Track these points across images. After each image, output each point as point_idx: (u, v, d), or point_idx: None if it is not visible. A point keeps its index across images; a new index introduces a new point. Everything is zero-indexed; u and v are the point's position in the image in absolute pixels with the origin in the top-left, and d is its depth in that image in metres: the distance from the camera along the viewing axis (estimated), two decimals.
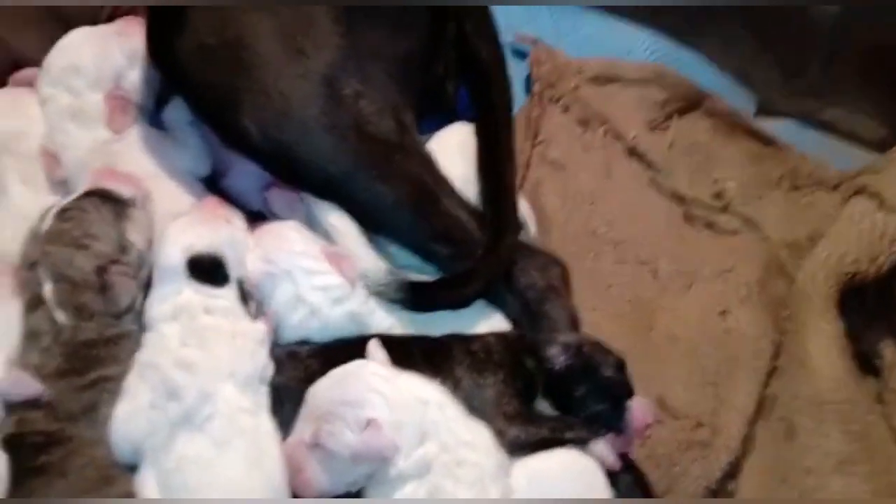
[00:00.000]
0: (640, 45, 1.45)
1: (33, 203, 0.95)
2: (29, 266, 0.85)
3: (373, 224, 1.00)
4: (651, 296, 1.21)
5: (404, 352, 0.90)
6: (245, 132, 0.94)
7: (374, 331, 0.96)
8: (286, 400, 0.88)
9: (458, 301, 0.99)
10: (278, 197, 1.02)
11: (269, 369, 0.88)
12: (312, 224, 1.01)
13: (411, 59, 1.05)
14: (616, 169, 1.31)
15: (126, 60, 1.03)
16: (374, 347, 0.88)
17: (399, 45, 1.03)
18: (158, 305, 0.87)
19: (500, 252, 1.01)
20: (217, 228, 0.91)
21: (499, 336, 0.97)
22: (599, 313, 1.16)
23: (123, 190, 0.90)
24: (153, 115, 1.07)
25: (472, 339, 0.96)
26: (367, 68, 0.99)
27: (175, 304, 0.87)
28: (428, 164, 1.02)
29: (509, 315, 1.03)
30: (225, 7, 0.94)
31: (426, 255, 1.02)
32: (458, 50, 1.13)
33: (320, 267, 0.95)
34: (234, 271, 0.90)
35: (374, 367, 0.85)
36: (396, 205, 0.98)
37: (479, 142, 1.11)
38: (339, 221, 0.98)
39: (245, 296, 0.90)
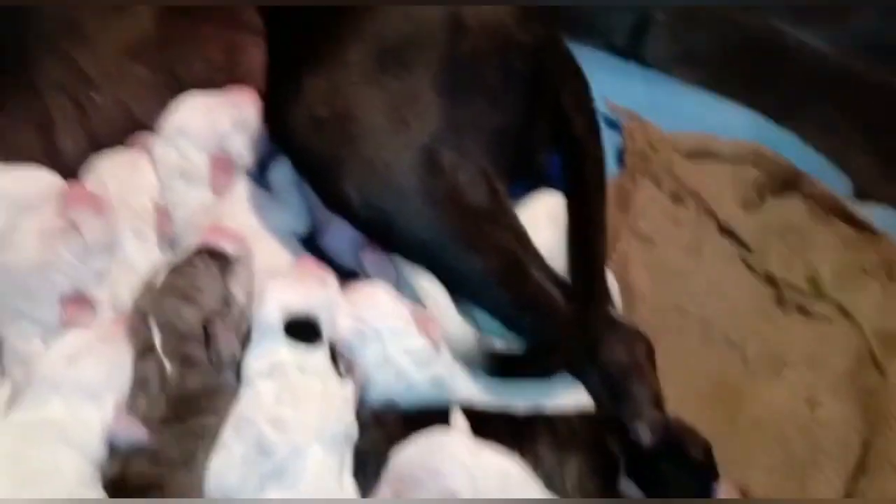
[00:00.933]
0: (737, 123, 1.45)
1: (144, 256, 1.01)
2: (141, 316, 0.89)
3: (461, 290, 1.02)
4: (738, 379, 1.19)
5: (487, 424, 0.91)
6: (346, 198, 0.98)
7: (456, 397, 0.97)
8: (369, 462, 0.89)
9: (541, 373, 1.00)
10: (371, 258, 1.05)
11: (355, 430, 0.90)
12: (402, 286, 1.04)
13: (507, 130, 1.08)
14: (707, 246, 1.31)
15: (232, 126, 1.09)
16: (458, 417, 0.89)
17: (496, 117, 1.06)
18: (255, 361, 0.90)
19: (586, 326, 1.02)
20: (313, 289, 0.94)
21: (582, 415, 0.97)
22: (683, 393, 1.14)
23: (229, 247, 0.94)
24: (257, 176, 1.12)
25: (555, 416, 0.96)
26: (465, 139, 1.02)
27: (271, 362, 0.89)
28: (518, 234, 1.04)
29: (591, 389, 1.03)
30: (337, 80, 0.98)
31: (511, 323, 1.03)
32: (552, 119, 1.16)
33: (408, 329, 0.97)
34: (326, 331, 0.93)
35: (458, 438, 0.86)
36: (485, 274, 1.00)
37: (571, 213, 1.13)
38: (428, 285, 1.01)
39: (335, 355, 0.93)
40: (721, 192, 1.35)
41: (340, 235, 1.10)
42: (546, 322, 1.01)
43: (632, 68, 1.54)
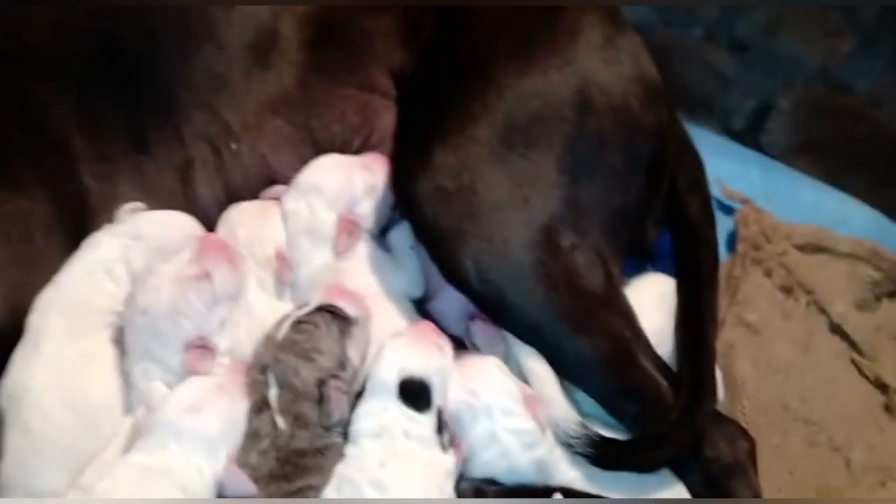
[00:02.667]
0: (855, 220, 1.41)
1: (266, 306, 1.03)
2: (260, 369, 0.92)
3: (566, 372, 1.02)
4: (841, 486, 1.15)
5: None
6: (464, 270, 0.99)
7: (556, 481, 0.97)
8: None
9: (646, 465, 0.99)
10: (481, 330, 1.06)
11: None
12: (509, 361, 1.05)
13: (625, 212, 1.08)
14: (816, 343, 1.28)
15: (363, 190, 1.12)
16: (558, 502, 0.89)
17: (616, 198, 1.07)
18: (364, 420, 0.92)
19: (693, 421, 1.00)
20: (430, 355, 0.95)
21: None
22: (784, 495, 1.12)
23: (350, 309, 0.97)
24: (377, 237, 1.15)
25: None
26: (585, 220, 1.03)
27: (380, 422, 0.91)
28: (629, 319, 1.04)
29: (689, 485, 1.01)
30: (465, 155, 1.00)
31: (615, 411, 1.02)
32: (667, 202, 1.16)
33: (518, 409, 0.97)
34: (437, 399, 0.94)
35: None
36: (593, 359, 1.00)
37: (681, 299, 1.12)
38: (537, 366, 1.01)
39: (441, 425, 0.93)
40: (835, 289, 1.32)
41: (451, 303, 1.11)
42: (651, 413, 1.00)
43: (749, 154, 1.52)
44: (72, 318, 0.97)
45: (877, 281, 1.32)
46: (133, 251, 1.01)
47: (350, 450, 0.91)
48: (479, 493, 0.94)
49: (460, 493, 0.93)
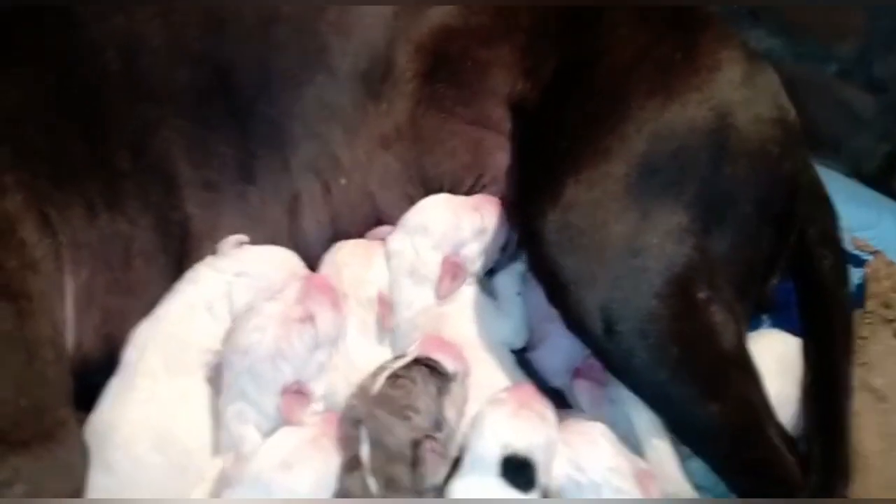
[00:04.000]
0: None
1: (363, 351, 1.00)
2: (353, 423, 0.88)
3: (689, 439, 0.94)
4: None
5: None
6: (589, 318, 0.92)
7: None
8: None
9: None
10: (587, 391, 1.00)
11: None
12: (616, 424, 0.98)
13: (754, 268, 1.00)
14: None
15: (471, 232, 1.07)
16: None
17: (746, 253, 0.98)
18: (464, 495, 0.86)
19: None
20: (536, 429, 0.89)
21: None
22: None
23: (448, 364, 0.91)
24: (483, 283, 1.10)
25: None
26: (716, 274, 0.95)
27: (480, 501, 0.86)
28: (758, 384, 0.95)
29: None
30: (599, 192, 0.93)
31: (735, 484, 0.93)
32: (795, 254, 1.07)
33: (628, 488, 0.90)
34: (541, 476, 0.88)
35: None
36: (722, 427, 0.91)
37: (809, 365, 1.03)
38: (656, 438, 0.94)
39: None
40: None
41: (555, 354, 1.06)
42: (772, 490, 0.91)
43: (881, 200, 1.41)
44: (168, 355, 0.95)
45: None
46: (236, 288, 0.99)
47: None
48: None
49: None
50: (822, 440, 0.96)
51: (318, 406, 0.94)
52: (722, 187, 0.96)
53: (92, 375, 0.96)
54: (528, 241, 1.00)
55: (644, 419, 0.95)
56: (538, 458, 0.88)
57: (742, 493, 0.94)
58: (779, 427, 0.95)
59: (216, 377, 0.94)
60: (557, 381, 1.05)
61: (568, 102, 1.02)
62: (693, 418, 0.92)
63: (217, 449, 0.92)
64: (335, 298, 0.97)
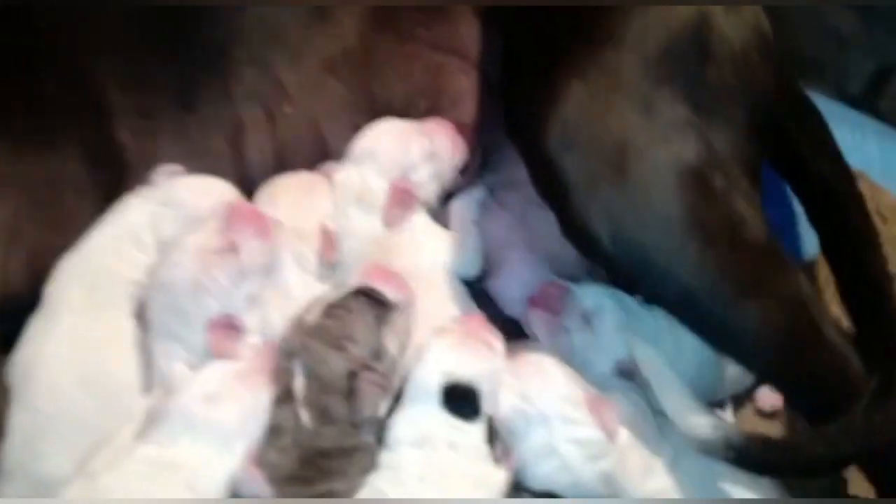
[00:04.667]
0: None
1: (302, 284, 0.94)
2: (287, 356, 0.83)
3: (731, 350, 0.85)
4: None
5: None
6: (592, 225, 0.84)
7: (629, 496, 0.86)
8: None
9: (818, 466, 0.80)
10: (540, 319, 0.95)
11: None
12: (573, 357, 0.93)
13: (755, 172, 0.92)
14: None
15: (420, 157, 1.01)
16: None
17: (745, 154, 0.90)
18: (405, 427, 0.83)
19: (889, 408, 0.79)
20: (481, 357, 0.84)
21: None
22: None
23: (390, 293, 0.87)
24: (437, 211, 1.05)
25: None
26: (728, 166, 0.87)
27: (421, 431, 0.81)
28: (801, 278, 0.85)
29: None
30: (598, 87, 0.86)
31: (791, 397, 0.86)
32: (792, 172, 1.01)
33: (580, 416, 0.85)
34: (486, 407, 0.83)
35: None
36: (767, 329, 0.82)
37: (839, 272, 0.95)
38: (649, 359, 0.87)
39: (492, 435, 0.83)
40: None
41: (514, 281, 1.01)
42: (842, 402, 0.80)
43: (866, 122, 1.38)
44: (94, 289, 0.89)
45: None
46: (163, 218, 0.94)
47: (386, 458, 0.82)
48: None
49: None
50: (879, 335, 0.86)
51: (253, 339, 0.89)
52: (711, 88, 0.89)
53: (22, 314, 0.91)
54: (526, 151, 0.92)
55: (638, 344, 0.89)
56: (482, 387, 0.83)
57: (806, 409, 0.84)
58: (837, 327, 0.85)
59: (143, 312, 0.89)
60: (515, 311, 1.00)
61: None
62: (730, 324, 0.82)
63: (148, 387, 0.87)
64: (262, 227, 0.92)
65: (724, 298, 0.82)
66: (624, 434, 0.87)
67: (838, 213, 0.97)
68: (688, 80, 0.88)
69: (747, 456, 0.80)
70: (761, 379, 0.87)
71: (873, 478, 0.84)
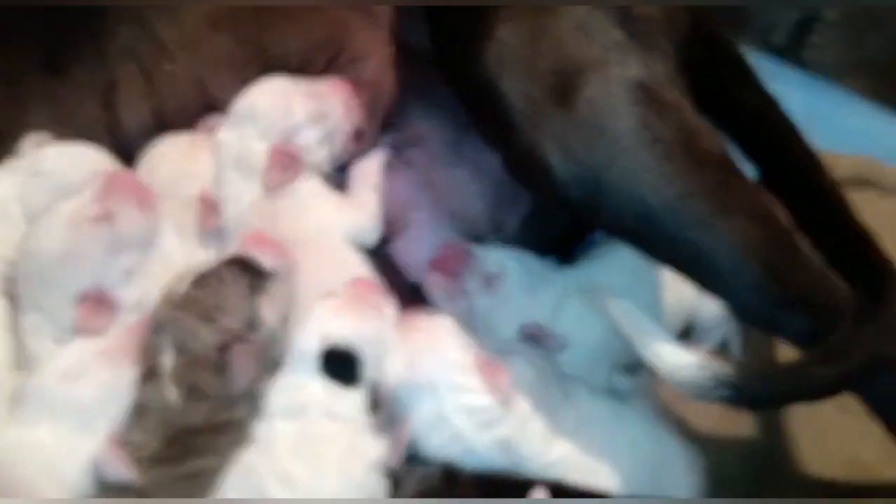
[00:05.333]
0: None
1: (183, 255, 0.90)
2: (155, 330, 0.79)
3: (706, 278, 0.79)
4: (873, 461, 0.99)
5: None
6: (542, 155, 0.78)
7: (530, 463, 0.83)
8: None
9: (815, 389, 0.76)
10: (438, 283, 0.92)
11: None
12: (472, 321, 0.90)
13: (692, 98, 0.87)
14: None
15: (305, 119, 0.96)
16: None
17: (684, 81, 0.85)
18: (280, 395, 0.79)
19: (880, 319, 0.76)
20: (364, 320, 0.81)
21: None
22: (808, 468, 0.99)
23: (266, 260, 0.82)
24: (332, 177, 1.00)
25: None
26: (674, 86, 0.82)
27: (296, 399, 0.78)
28: (765, 195, 0.82)
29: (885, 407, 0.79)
30: (535, 19, 0.82)
31: (775, 326, 0.79)
32: (721, 110, 0.94)
33: (470, 383, 0.82)
34: (369, 373, 0.80)
35: None
36: (741, 248, 0.76)
37: (791, 196, 0.89)
38: (619, 307, 0.82)
39: (376, 404, 0.79)
40: (882, 231, 1.13)
41: (416, 246, 0.97)
42: (824, 322, 0.76)
43: (789, 72, 1.39)
44: None
45: None
46: (32, 190, 0.89)
47: (259, 430, 0.78)
48: (449, 477, 0.79)
49: (424, 478, 0.79)
50: (847, 249, 0.82)
51: (129, 316, 0.85)
52: (641, 21, 0.84)
53: None
54: (461, 81, 0.87)
55: (605, 296, 0.85)
56: (364, 351, 0.80)
57: (781, 328, 0.79)
58: (812, 249, 0.80)
59: (12, 287, 0.85)
60: (419, 275, 0.96)
61: None
62: (703, 247, 0.76)
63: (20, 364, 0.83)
64: (141, 196, 0.87)
65: (692, 217, 0.77)
66: (524, 400, 0.85)
67: (774, 137, 0.92)
68: (619, 11, 0.83)
69: (749, 389, 0.75)
70: (744, 314, 0.81)
71: (876, 405, 0.81)
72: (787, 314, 0.78)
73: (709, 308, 0.97)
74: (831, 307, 0.76)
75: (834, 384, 0.76)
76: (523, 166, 0.81)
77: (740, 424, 1.01)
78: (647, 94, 0.78)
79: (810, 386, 0.75)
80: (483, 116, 0.85)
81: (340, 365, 0.78)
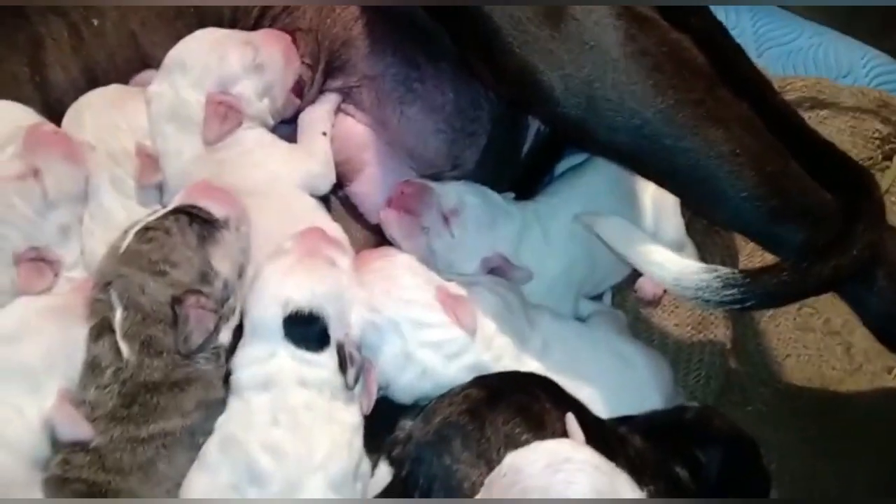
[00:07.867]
0: (861, 67, 1.27)
1: (123, 210, 0.86)
2: (103, 286, 0.75)
3: (695, 190, 0.79)
4: (839, 375, 1.03)
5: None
6: (539, 77, 0.78)
7: None
8: (453, 436, 0.73)
9: (812, 286, 0.76)
10: (395, 220, 0.90)
11: (366, 465, 0.76)
12: (434, 256, 0.89)
13: None
14: None
15: (241, 68, 0.91)
16: (573, 426, 0.72)
17: None
18: (248, 368, 0.75)
19: (870, 219, 0.77)
20: (322, 277, 0.77)
21: (648, 443, 0.79)
22: (774, 388, 1.01)
23: (215, 209, 0.79)
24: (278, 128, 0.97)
25: (627, 439, 0.79)
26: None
27: (266, 372, 0.74)
28: (746, 106, 0.80)
29: (867, 307, 0.81)
30: None
31: (772, 238, 0.79)
32: None
33: (432, 318, 0.81)
34: (335, 332, 0.76)
35: (584, 454, 0.68)
36: (735, 158, 0.76)
37: None
38: (611, 226, 0.82)
39: (344, 360, 0.75)
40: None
41: (372, 184, 0.95)
42: (819, 233, 0.77)
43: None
44: None
45: (884, 136, 1.16)
46: None
47: (233, 403, 0.75)
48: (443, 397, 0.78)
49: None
50: (816, 161, 0.81)
51: (73, 273, 0.82)
52: None
53: None
54: (451, 16, 0.85)
55: (603, 220, 0.85)
56: (328, 311, 0.76)
57: (774, 237, 0.79)
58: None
59: None
60: (377, 215, 0.94)
61: None
62: (699, 155, 0.76)
63: None
64: (68, 149, 0.83)
65: (687, 125, 0.77)
66: (489, 326, 0.84)
67: (725, 60, 0.88)
68: None
69: (756, 286, 0.75)
70: (741, 225, 0.81)
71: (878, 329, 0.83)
72: (784, 227, 0.78)
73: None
74: (824, 217, 0.78)
75: (835, 276, 0.76)
76: (516, 89, 0.81)
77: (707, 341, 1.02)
78: (628, 10, 0.78)
79: (814, 280, 0.76)
80: (471, 45, 0.83)
81: (305, 329, 0.75)
